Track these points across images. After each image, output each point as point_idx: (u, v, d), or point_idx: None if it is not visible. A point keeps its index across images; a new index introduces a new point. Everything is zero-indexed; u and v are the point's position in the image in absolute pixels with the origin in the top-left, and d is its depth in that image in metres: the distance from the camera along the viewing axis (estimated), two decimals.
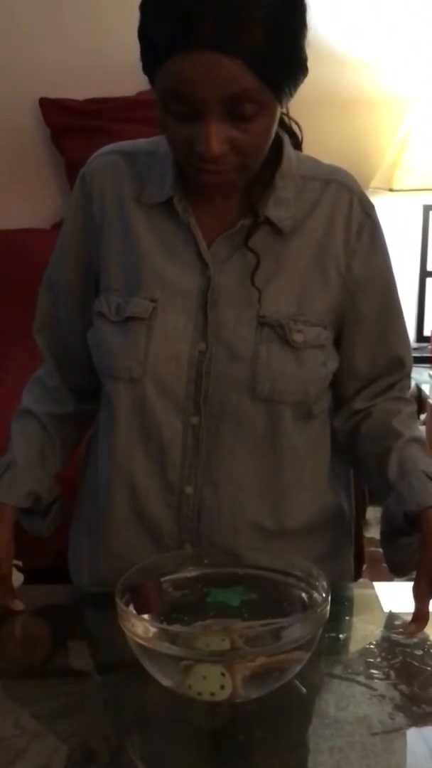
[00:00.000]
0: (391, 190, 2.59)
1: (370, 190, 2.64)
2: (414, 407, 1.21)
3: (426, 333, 2.81)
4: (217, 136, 0.94)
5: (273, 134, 1.00)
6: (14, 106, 2.71)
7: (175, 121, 0.96)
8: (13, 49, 2.68)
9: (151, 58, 0.95)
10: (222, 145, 0.95)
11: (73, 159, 2.62)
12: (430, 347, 2.62)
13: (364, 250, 1.12)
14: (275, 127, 1.00)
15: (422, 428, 2.57)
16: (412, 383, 2.78)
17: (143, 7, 0.95)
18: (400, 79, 2.75)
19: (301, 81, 0.99)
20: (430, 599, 0.97)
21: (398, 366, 1.19)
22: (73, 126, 2.64)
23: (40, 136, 2.74)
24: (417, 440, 1.13)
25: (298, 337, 1.08)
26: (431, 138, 2.57)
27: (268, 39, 0.90)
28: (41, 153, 2.77)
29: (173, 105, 0.95)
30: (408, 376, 1.23)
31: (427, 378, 2.51)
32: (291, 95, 0.99)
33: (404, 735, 0.86)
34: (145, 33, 0.96)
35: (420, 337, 2.85)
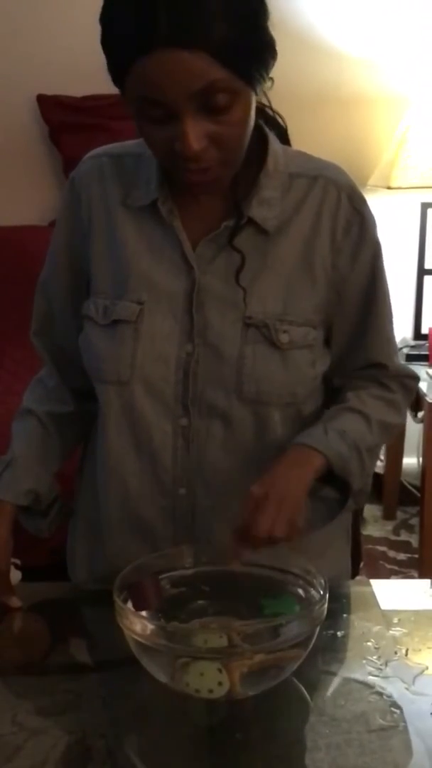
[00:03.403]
0: (389, 187, 2.59)
1: (368, 187, 2.64)
2: (396, 397, 1.18)
3: (424, 331, 2.81)
4: (195, 133, 0.93)
5: (251, 122, 1.00)
6: (12, 103, 2.71)
7: (151, 125, 0.96)
8: (11, 45, 2.68)
9: (117, 68, 0.94)
10: (201, 141, 0.94)
11: (71, 156, 2.62)
12: (428, 345, 2.62)
13: (350, 248, 1.11)
14: (252, 114, 0.99)
15: (419, 426, 2.58)
16: None
17: (102, 19, 0.95)
18: (398, 76, 2.75)
19: (272, 64, 0.98)
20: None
21: (378, 367, 1.18)
22: (71, 123, 2.64)
23: (37, 132, 2.74)
24: (352, 409, 1.12)
25: (283, 338, 1.07)
26: (429, 136, 2.57)
27: (227, 27, 0.89)
28: (39, 150, 2.76)
29: (146, 110, 0.94)
30: (398, 376, 1.19)
31: (425, 376, 2.51)
32: (263, 79, 0.98)
33: (401, 732, 0.86)
34: (107, 44, 0.95)
35: (417, 334, 2.84)
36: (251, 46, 0.94)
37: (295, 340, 1.08)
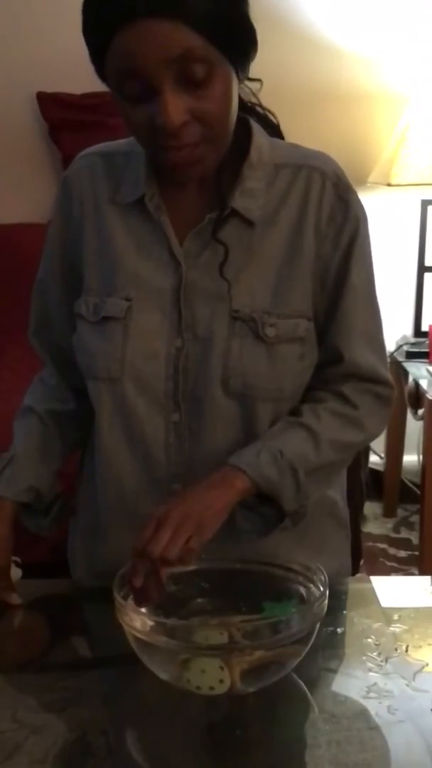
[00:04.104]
0: (389, 185, 2.59)
1: (368, 185, 2.64)
2: (359, 414, 1.10)
3: (424, 328, 2.81)
4: (174, 105, 0.94)
5: (234, 103, 1.00)
6: (12, 101, 2.70)
7: (132, 105, 0.96)
8: (11, 43, 2.67)
9: (97, 50, 0.95)
10: (181, 115, 0.95)
11: (70, 153, 2.60)
12: (428, 342, 2.62)
13: (334, 234, 1.09)
14: (234, 95, 1.00)
15: (420, 423, 2.58)
16: (410, 379, 2.77)
17: (82, 9, 0.96)
18: (398, 74, 2.74)
19: (253, 53, 1.00)
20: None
21: (336, 363, 1.11)
22: (71, 120, 2.64)
23: (37, 130, 2.74)
24: (302, 425, 1.07)
25: (270, 332, 1.07)
26: (429, 133, 2.57)
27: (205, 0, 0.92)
28: (38, 147, 2.76)
29: (126, 87, 0.95)
30: (364, 378, 1.12)
31: (425, 373, 2.51)
32: (244, 64, 1.00)
33: (401, 729, 0.86)
34: (86, 29, 0.96)
35: (418, 332, 2.84)
36: (229, 21, 0.95)
37: (281, 334, 1.07)
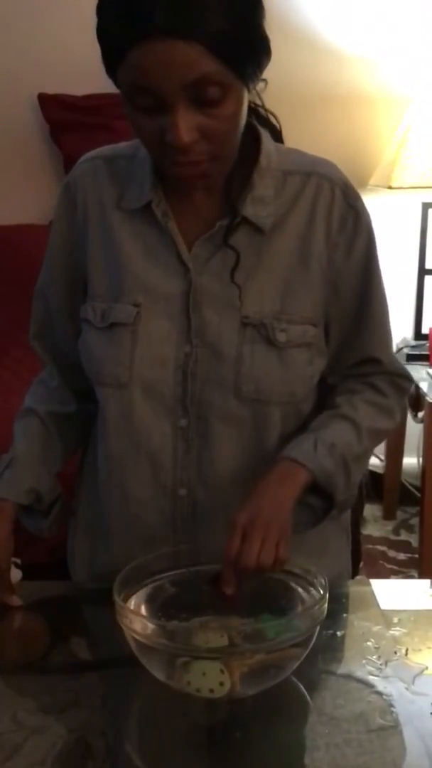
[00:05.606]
0: (389, 187, 2.59)
1: (369, 187, 2.64)
2: (390, 402, 1.18)
3: (424, 331, 2.81)
4: (185, 124, 0.94)
5: (243, 119, 1.00)
6: (13, 102, 2.71)
7: (142, 116, 0.96)
8: (13, 44, 2.67)
9: (111, 57, 0.95)
10: (191, 133, 0.94)
11: (71, 155, 2.62)
12: (428, 345, 2.62)
13: (345, 242, 1.11)
14: (244, 110, 0.99)
15: (420, 426, 2.58)
16: None
17: (98, 9, 0.95)
18: (399, 76, 2.75)
19: (266, 63, 0.99)
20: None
21: (373, 363, 1.18)
22: (72, 122, 2.64)
23: (38, 131, 2.74)
24: (344, 417, 1.12)
25: (281, 337, 1.07)
26: (430, 135, 2.57)
27: (222, 20, 0.90)
28: (40, 149, 2.76)
29: (138, 99, 0.95)
30: (391, 373, 1.19)
31: (425, 376, 2.51)
32: (256, 77, 0.99)
33: (400, 732, 0.86)
34: (102, 33, 0.95)
35: (418, 334, 2.84)
36: (245, 42, 0.94)
37: (292, 339, 1.08)
